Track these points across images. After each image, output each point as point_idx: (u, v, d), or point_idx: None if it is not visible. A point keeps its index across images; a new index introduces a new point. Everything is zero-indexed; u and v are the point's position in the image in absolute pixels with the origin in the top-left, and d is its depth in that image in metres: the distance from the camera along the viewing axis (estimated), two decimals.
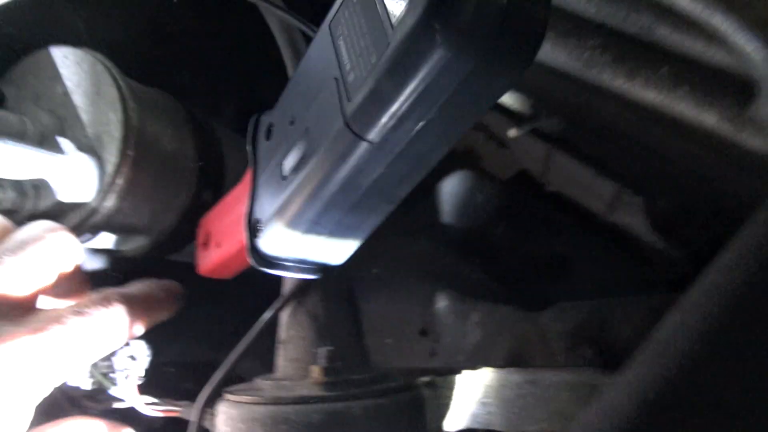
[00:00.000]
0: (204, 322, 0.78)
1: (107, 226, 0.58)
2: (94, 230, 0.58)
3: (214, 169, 0.68)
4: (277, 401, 0.39)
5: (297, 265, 0.42)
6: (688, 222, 0.65)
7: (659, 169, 0.58)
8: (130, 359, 0.50)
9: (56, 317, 0.38)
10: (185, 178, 0.64)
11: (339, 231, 0.38)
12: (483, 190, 0.89)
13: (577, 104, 0.50)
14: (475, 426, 0.53)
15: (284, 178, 0.37)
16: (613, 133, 0.51)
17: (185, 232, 0.63)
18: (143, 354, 0.51)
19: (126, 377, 0.49)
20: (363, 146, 0.31)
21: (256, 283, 0.55)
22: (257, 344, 0.46)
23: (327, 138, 0.33)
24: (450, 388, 0.52)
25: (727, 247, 0.29)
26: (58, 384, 0.37)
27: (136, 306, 0.43)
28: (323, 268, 0.43)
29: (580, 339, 0.61)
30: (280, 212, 0.37)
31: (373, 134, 0.30)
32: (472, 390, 0.52)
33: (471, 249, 0.86)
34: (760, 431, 0.22)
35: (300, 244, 0.39)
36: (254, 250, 0.41)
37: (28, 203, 0.54)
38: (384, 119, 0.30)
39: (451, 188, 0.90)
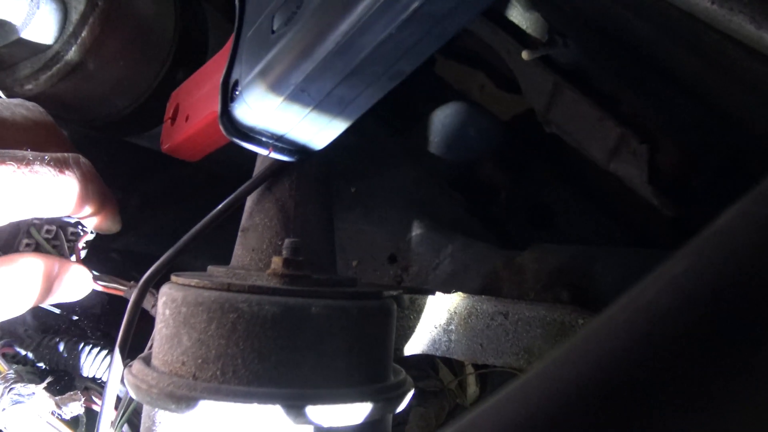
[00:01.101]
0: (159, 220, 0.73)
1: (67, 85, 0.52)
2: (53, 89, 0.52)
3: (193, 48, 0.62)
4: (227, 287, 0.35)
5: (273, 142, 0.37)
6: (688, 178, 0.61)
7: (674, 112, 0.54)
8: (74, 231, 0.45)
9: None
10: (160, 50, 0.58)
11: (327, 105, 0.33)
12: (477, 126, 0.85)
13: (612, 22, 0.45)
14: (434, 353, 0.50)
15: (273, 32, 0.32)
16: (641, 61, 0.47)
17: (152, 111, 0.58)
18: (87, 230, 0.46)
19: (68, 245, 0.44)
20: None
21: (219, 185, 0.51)
22: (216, 233, 0.41)
23: None
24: (417, 310, 0.49)
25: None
26: None
27: (89, 187, 0.40)
28: (301, 151, 0.38)
29: (556, 281, 0.57)
30: (263, 72, 0.32)
31: None
32: (438, 315, 0.49)
33: (455, 183, 0.82)
34: None
35: (280, 115, 0.34)
36: (227, 116, 0.36)
37: None
38: None
39: (443, 118, 0.85)
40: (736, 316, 0.15)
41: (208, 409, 0.33)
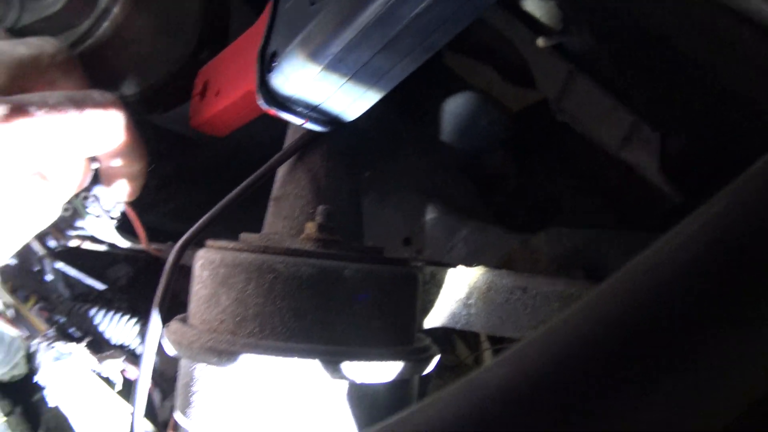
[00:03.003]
0: (175, 200, 0.75)
1: (95, 61, 0.54)
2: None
3: (217, 29, 0.64)
4: (265, 250, 0.37)
5: (308, 112, 0.38)
6: (697, 166, 0.63)
7: (687, 100, 0.55)
8: (106, 199, 0.47)
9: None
10: (186, 30, 0.59)
11: (363, 75, 0.35)
12: (488, 116, 0.87)
13: (625, 7, 0.47)
14: (453, 326, 0.51)
15: (313, 3, 0.34)
16: (654, 48, 0.48)
17: (177, 88, 0.59)
18: (119, 202, 0.48)
19: (101, 214, 0.46)
20: None
21: (233, 168, 0.52)
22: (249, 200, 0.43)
23: None
24: (437, 284, 0.51)
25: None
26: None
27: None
28: (334, 122, 0.40)
29: (570, 262, 0.59)
30: (303, 42, 0.34)
31: None
32: (458, 289, 0.50)
33: (466, 172, 0.84)
34: None
35: (317, 84, 0.36)
36: (265, 86, 0.37)
37: (11, 14, 0.49)
38: None
39: (455, 108, 0.87)
40: None
41: (248, 362, 0.34)
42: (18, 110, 0.38)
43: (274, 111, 0.38)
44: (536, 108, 0.79)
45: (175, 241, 0.42)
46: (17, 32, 0.48)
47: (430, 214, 0.75)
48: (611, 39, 0.58)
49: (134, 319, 0.53)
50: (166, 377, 0.51)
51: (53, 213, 0.42)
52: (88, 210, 0.45)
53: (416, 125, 0.88)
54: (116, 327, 0.51)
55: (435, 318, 0.51)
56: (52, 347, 0.41)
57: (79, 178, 0.44)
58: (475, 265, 0.49)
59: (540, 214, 0.83)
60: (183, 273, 0.43)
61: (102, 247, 0.49)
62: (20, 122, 0.38)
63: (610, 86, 0.64)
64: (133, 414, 0.38)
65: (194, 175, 0.76)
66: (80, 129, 0.41)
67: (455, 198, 0.78)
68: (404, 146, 0.82)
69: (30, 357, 0.66)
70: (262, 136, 0.58)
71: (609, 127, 0.67)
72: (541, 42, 0.60)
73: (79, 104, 0.41)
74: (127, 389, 0.49)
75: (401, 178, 0.79)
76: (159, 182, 0.75)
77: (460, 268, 0.49)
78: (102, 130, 0.42)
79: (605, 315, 0.18)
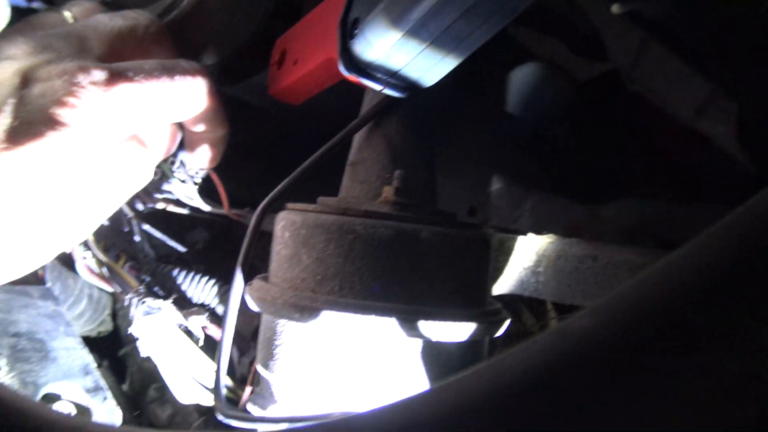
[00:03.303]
0: (246, 168, 0.78)
1: (178, 30, 0.56)
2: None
3: (290, 1, 0.65)
4: (345, 212, 0.38)
5: (387, 78, 0.39)
6: None
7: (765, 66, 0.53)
8: (191, 165, 0.49)
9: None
10: (261, 2, 0.61)
11: (443, 40, 0.35)
12: (554, 86, 0.85)
13: None
14: (521, 293, 0.52)
15: None
16: (740, 8, 0.47)
17: (251, 59, 0.61)
18: (202, 168, 0.50)
19: (186, 178, 0.48)
20: None
21: (300, 137, 0.54)
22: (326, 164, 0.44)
23: None
24: (506, 252, 0.51)
25: None
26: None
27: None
28: (411, 88, 0.40)
29: (640, 234, 0.58)
30: (386, 8, 0.35)
31: None
32: (526, 257, 0.51)
33: (531, 143, 0.83)
34: None
35: (398, 50, 0.36)
36: (346, 53, 0.38)
37: None
38: None
39: (521, 78, 0.86)
40: None
41: (329, 319, 0.36)
42: (118, 75, 0.40)
43: (354, 77, 0.39)
44: (605, 78, 0.77)
45: (251, 207, 0.44)
46: (111, 4, 0.51)
47: (495, 185, 0.75)
48: (688, 4, 0.57)
49: (212, 280, 0.56)
50: (242, 335, 0.53)
51: (147, 177, 0.45)
52: (174, 174, 0.48)
53: (480, 96, 0.87)
54: (197, 287, 0.54)
55: (503, 285, 0.52)
56: (144, 302, 0.44)
57: (168, 143, 0.47)
58: (545, 233, 0.50)
59: (607, 185, 0.82)
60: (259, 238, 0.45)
61: (184, 211, 0.52)
62: (120, 87, 0.40)
63: (685, 54, 0.62)
64: (218, 364, 0.40)
65: (264, 143, 0.78)
66: (171, 95, 0.43)
67: (520, 169, 0.77)
68: (468, 117, 0.82)
69: (115, 314, 0.71)
70: (327, 106, 0.59)
71: (684, 97, 0.65)
72: (615, 9, 0.59)
73: (170, 71, 0.43)
74: (208, 346, 0.51)
75: (465, 148, 0.79)
76: (232, 151, 0.78)
77: (530, 236, 0.49)
78: (189, 96, 0.45)
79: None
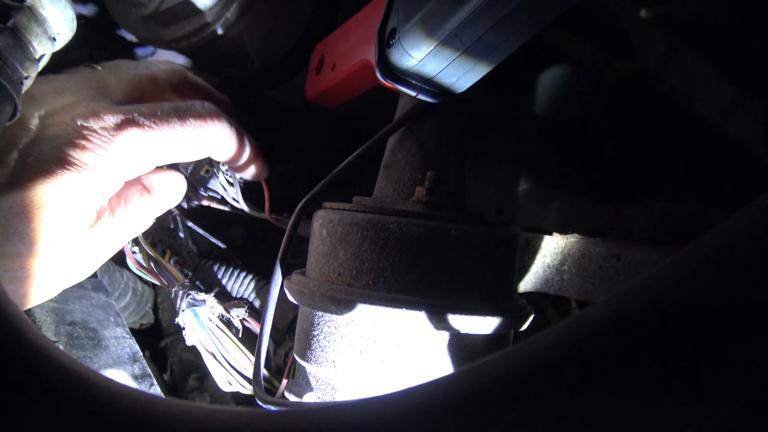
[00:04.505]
0: (282, 167, 0.80)
1: (222, 39, 0.59)
2: (208, 45, 0.59)
3: (326, 11, 0.67)
4: (379, 211, 0.40)
5: (421, 84, 0.41)
6: None
7: None
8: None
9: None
10: (301, 6, 0.64)
11: (475, 49, 0.37)
12: (583, 85, 0.86)
13: None
14: (546, 291, 0.53)
15: None
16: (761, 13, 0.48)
17: (292, 62, 0.64)
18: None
19: (232, 180, 0.51)
20: None
21: (334, 137, 0.56)
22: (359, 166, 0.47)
23: None
24: (532, 251, 0.53)
25: None
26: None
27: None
28: (444, 94, 0.43)
29: (666, 234, 0.60)
30: (422, 18, 0.37)
31: None
32: (552, 256, 0.52)
33: (561, 142, 0.85)
34: None
35: (432, 58, 0.38)
36: (383, 60, 0.40)
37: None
38: None
39: (551, 79, 0.87)
40: None
41: (363, 311, 0.38)
42: (128, 121, 0.42)
43: (390, 83, 0.41)
44: (634, 79, 0.78)
45: (288, 208, 0.47)
46: (160, 15, 0.54)
47: (523, 185, 0.76)
48: (716, 6, 0.58)
49: (250, 276, 0.58)
50: (278, 328, 0.56)
51: (149, 223, 0.47)
52: (223, 175, 0.51)
53: (510, 98, 0.89)
54: (236, 282, 0.57)
55: (529, 283, 0.54)
56: (189, 294, 0.47)
57: (175, 193, 0.49)
58: (570, 233, 0.51)
59: (635, 186, 0.83)
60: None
61: (226, 208, 0.55)
62: (130, 132, 0.42)
63: (713, 56, 0.63)
64: (258, 353, 0.43)
65: (300, 145, 0.81)
66: (182, 139, 0.45)
67: (547, 169, 0.79)
68: (495, 118, 0.84)
69: (156, 308, 0.74)
70: (359, 110, 0.61)
71: (712, 99, 0.66)
72: (644, 13, 0.60)
73: (183, 116, 0.45)
74: (246, 337, 0.54)
75: (494, 149, 0.81)
76: (267, 151, 0.81)
77: (555, 235, 0.51)
78: (202, 139, 0.47)
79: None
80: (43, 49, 0.37)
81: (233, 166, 0.53)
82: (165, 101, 0.48)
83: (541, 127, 0.85)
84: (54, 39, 0.38)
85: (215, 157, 0.50)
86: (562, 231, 0.70)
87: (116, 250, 0.46)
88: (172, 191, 0.49)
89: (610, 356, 0.19)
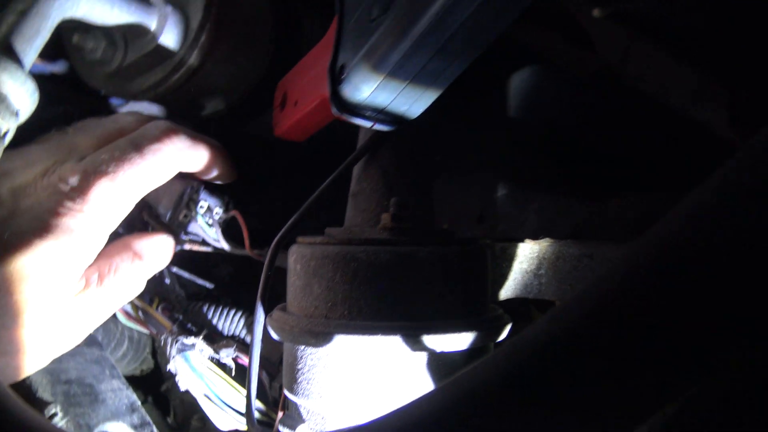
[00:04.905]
0: (261, 199, 0.82)
1: (188, 86, 0.60)
2: (176, 92, 0.60)
3: (289, 43, 0.69)
4: (348, 242, 0.42)
5: (375, 114, 0.43)
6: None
7: (753, 52, 0.55)
8: (211, 207, 0.53)
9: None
10: (262, 44, 0.65)
11: (421, 77, 0.39)
12: (554, 84, 0.87)
13: None
14: (526, 296, 0.54)
15: (372, 20, 0.38)
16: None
17: (260, 98, 0.65)
18: (218, 208, 0.54)
19: (211, 221, 0.52)
20: None
21: (307, 169, 0.57)
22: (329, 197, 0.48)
23: None
24: (508, 259, 0.54)
25: None
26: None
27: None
28: (399, 121, 0.44)
29: (643, 227, 0.60)
30: (366, 54, 0.38)
31: None
32: (528, 262, 0.53)
33: (536, 142, 0.86)
34: None
35: (381, 90, 0.40)
36: (336, 96, 0.42)
37: (118, 54, 0.56)
38: None
39: (521, 81, 0.89)
40: None
41: (341, 341, 0.39)
42: (92, 174, 0.43)
43: (345, 117, 0.42)
44: (602, 73, 0.79)
45: (269, 241, 0.48)
46: (125, 70, 0.55)
47: (502, 190, 0.77)
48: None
49: (240, 312, 0.59)
50: (271, 361, 0.57)
51: (140, 288, 0.48)
52: (201, 218, 0.52)
53: (482, 101, 0.90)
54: (226, 320, 0.58)
55: (509, 290, 0.55)
56: (178, 340, 0.48)
57: (164, 256, 0.50)
58: (542, 238, 0.52)
59: (611, 180, 0.84)
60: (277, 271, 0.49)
61: (209, 249, 0.56)
62: (97, 185, 0.43)
63: (673, 46, 0.64)
64: (249, 390, 0.44)
65: (273, 176, 0.82)
66: (147, 169, 0.46)
67: (526, 170, 0.80)
68: (472, 123, 0.85)
69: (154, 352, 0.75)
70: (329, 139, 0.62)
71: (676, 87, 0.67)
72: (597, 12, 0.61)
73: (138, 146, 0.46)
74: (240, 374, 0.55)
75: (471, 155, 0.82)
76: (246, 184, 0.82)
77: (528, 242, 0.52)
78: (167, 160, 0.48)
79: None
80: (7, 125, 0.38)
81: (203, 174, 0.54)
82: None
83: (514, 130, 0.86)
84: (17, 114, 0.39)
85: (186, 170, 0.52)
86: (539, 234, 0.71)
87: (108, 315, 0.47)
88: (161, 255, 0.51)
89: (541, 377, 0.20)
